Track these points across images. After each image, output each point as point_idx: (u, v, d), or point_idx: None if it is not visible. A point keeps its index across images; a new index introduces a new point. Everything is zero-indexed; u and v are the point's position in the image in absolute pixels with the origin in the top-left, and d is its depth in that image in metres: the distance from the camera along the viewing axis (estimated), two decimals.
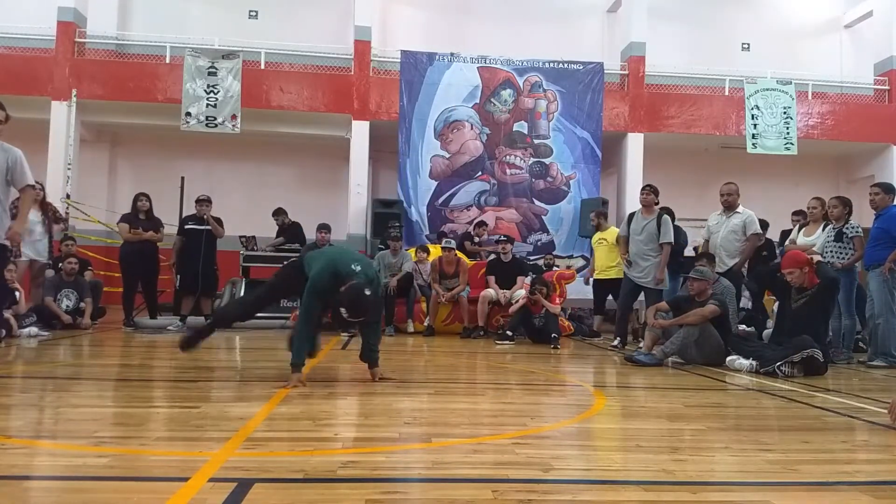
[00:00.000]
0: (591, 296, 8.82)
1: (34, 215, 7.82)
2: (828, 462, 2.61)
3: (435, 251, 9.18)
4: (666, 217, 7.07)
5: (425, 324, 8.57)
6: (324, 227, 8.70)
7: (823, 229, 6.84)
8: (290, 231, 9.99)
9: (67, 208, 11.31)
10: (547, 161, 12.68)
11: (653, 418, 3.45)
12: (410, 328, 8.62)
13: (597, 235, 8.67)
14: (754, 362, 5.29)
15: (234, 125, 11.73)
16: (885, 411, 3.56)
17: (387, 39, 13.89)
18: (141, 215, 8.24)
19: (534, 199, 12.61)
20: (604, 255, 8.37)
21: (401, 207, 12.14)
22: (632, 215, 7.29)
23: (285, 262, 5.37)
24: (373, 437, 2.89)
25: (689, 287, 6.08)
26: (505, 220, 12.52)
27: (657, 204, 7.14)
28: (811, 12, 15.36)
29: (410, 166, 12.38)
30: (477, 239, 10.78)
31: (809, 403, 3.94)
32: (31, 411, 3.31)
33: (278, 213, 10.15)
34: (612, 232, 8.37)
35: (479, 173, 12.55)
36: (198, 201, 8.27)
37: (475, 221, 11.57)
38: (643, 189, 7.26)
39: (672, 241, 7.03)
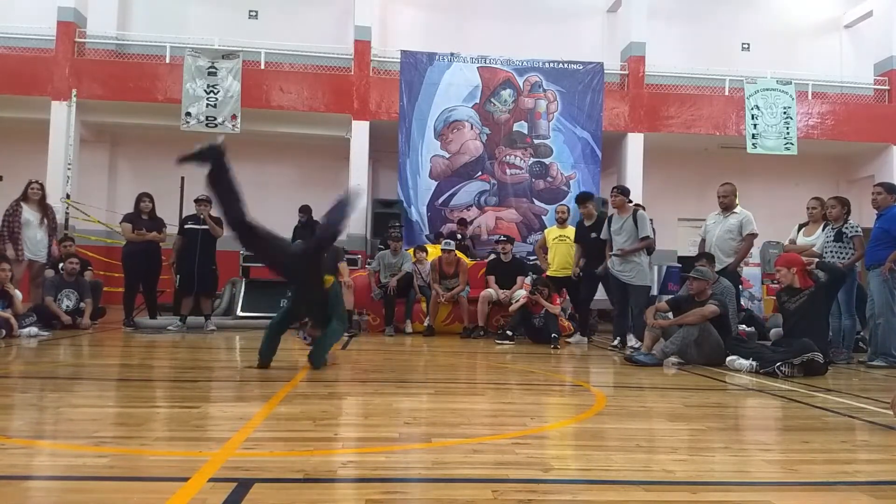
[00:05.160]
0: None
1: (34, 216, 7.83)
2: (828, 462, 2.61)
3: (434, 251, 9.19)
4: (641, 213, 7.31)
5: (425, 324, 8.57)
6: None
7: (823, 229, 6.85)
8: (303, 230, 9.79)
9: (67, 208, 11.31)
10: (547, 161, 12.68)
11: (653, 418, 3.45)
12: (409, 329, 8.62)
13: (557, 231, 8.50)
14: (754, 362, 5.30)
15: (234, 125, 11.74)
16: (886, 411, 3.56)
17: (387, 39, 13.89)
18: (144, 216, 8.25)
19: (534, 199, 12.61)
20: (564, 253, 8.23)
21: (401, 207, 12.14)
22: (610, 218, 7.48)
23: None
24: (373, 437, 2.89)
25: (688, 287, 6.08)
26: (505, 220, 12.52)
27: (630, 202, 7.45)
28: (811, 12, 15.36)
29: (410, 166, 12.38)
30: (459, 236, 10.80)
31: (809, 403, 3.94)
32: (32, 411, 3.31)
33: (303, 210, 10.12)
34: (571, 231, 8.27)
35: (479, 173, 12.55)
36: (197, 201, 8.27)
37: (458, 220, 11.73)
38: (612, 191, 7.60)
39: (650, 235, 7.28)
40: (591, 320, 9.40)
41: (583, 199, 7.94)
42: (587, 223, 7.78)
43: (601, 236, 7.52)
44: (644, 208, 7.90)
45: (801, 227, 7.25)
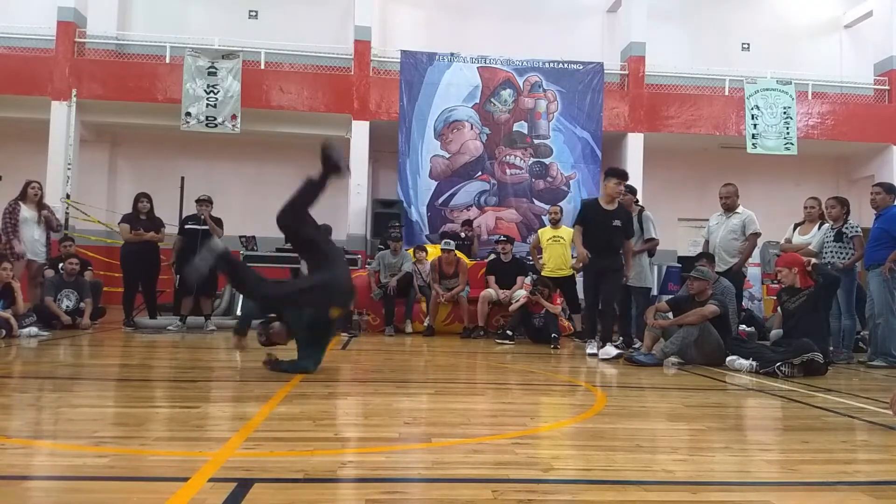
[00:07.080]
0: None
1: (32, 215, 7.83)
2: (828, 462, 2.61)
3: (433, 251, 9.19)
4: (647, 214, 7.25)
5: (425, 324, 8.57)
6: (324, 228, 8.71)
7: (819, 228, 6.86)
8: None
9: (67, 208, 11.31)
10: (547, 161, 12.68)
11: (653, 418, 3.45)
12: (409, 329, 8.61)
13: (551, 232, 8.50)
14: (754, 362, 5.30)
15: (234, 125, 11.74)
16: (886, 411, 3.56)
17: (387, 39, 13.88)
18: (142, 216, 8.25)
19: (534, 199, 12.61)
20: (559, 255, 8.22)
21: (401, 207, 12.14)
22: None
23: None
24: (373, 437, 2.89)
25: (688, 287, 6.08)
26: (505, 220, 12.52)
27: (637, 202, 7.36)
28: (811, 12, 15.35)
29: (410, 166, 12.38)
30: (464, 234, 10.80)
31: (809, 403, 3.94)
32: (31, 411, 3.31)
33: None
34: (566, 231, 8.25)
35: (479, 173, 12.55)
36: (198, 201, 8.28)
37: (462, 221, 11.70)
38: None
39: (656, 237, 7.21)
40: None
41: (623, 175, 6.50)
42: (608, 207, 6.33)
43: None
44: (643, 208, 7.92)
45: (796, 226, 7.27)
